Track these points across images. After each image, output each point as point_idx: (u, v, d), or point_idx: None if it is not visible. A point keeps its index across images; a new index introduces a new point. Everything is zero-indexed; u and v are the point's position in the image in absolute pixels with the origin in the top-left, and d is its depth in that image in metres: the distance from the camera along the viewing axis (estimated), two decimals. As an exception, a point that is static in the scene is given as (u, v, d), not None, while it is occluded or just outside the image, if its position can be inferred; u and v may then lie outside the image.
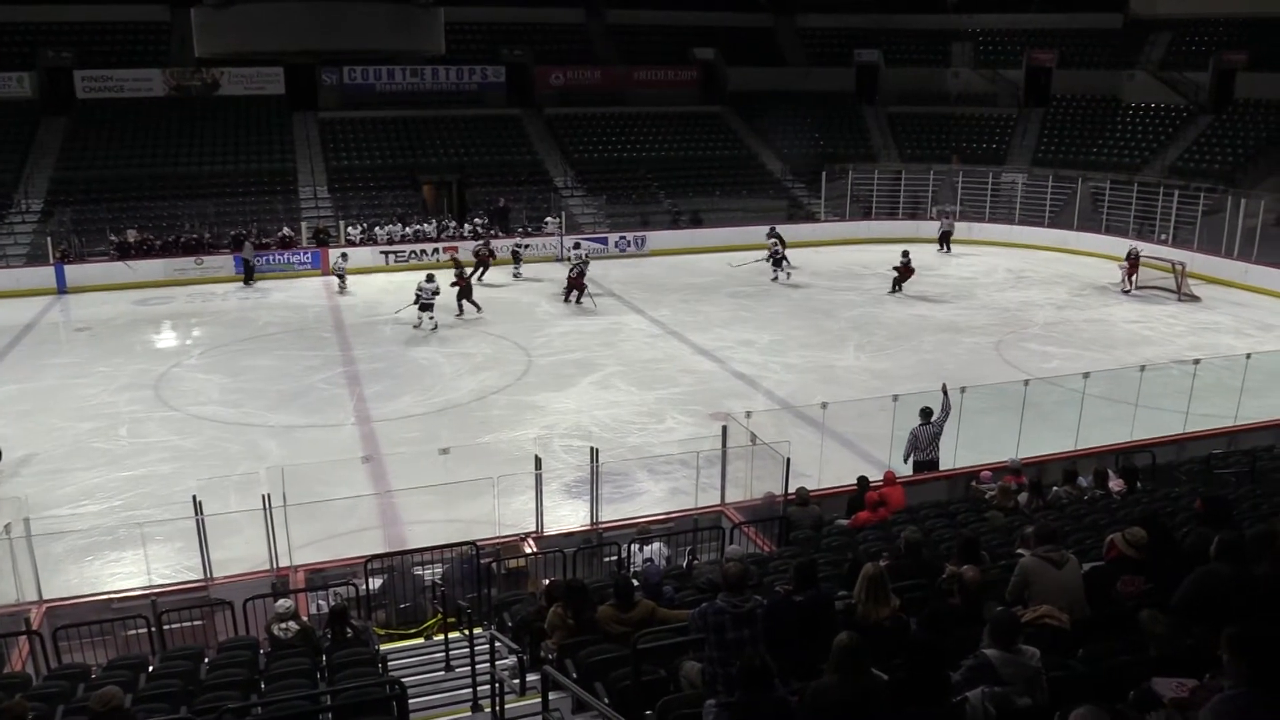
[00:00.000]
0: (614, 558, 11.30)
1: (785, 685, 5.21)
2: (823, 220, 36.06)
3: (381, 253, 30.56)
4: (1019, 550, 7.57)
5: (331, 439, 16.61)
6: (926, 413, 13.56)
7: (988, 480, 12.08)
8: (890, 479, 11.95)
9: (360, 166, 34.89)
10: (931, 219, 34.94)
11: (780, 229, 30.94)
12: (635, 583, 8.34)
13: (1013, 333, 23.25)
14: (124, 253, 28.59)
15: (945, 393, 13.53)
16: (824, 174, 36.08)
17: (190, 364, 20.99)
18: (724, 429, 13.00)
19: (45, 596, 10.92)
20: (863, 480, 11.97)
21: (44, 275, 27.84)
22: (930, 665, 4.84)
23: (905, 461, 13.64)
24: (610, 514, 12.69)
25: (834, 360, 21.01)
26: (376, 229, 31.43)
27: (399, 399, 18.44)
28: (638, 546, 11.19)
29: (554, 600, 8.06)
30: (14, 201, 30.60)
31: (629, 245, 33.05)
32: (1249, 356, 16.35)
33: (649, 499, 13.85)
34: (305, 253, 29.92)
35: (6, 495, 11.64)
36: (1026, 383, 14.82)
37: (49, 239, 28.54)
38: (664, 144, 38.75)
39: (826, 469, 13.43)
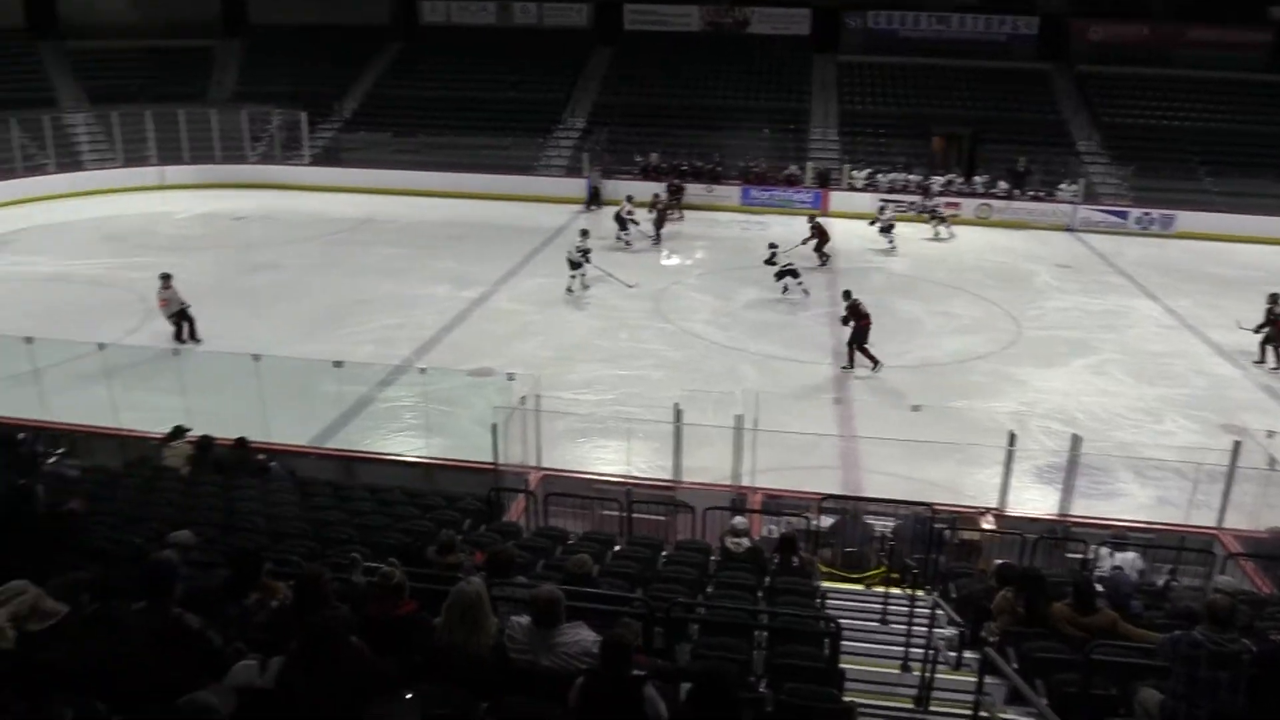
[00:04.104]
0: (1079, 556, 10.47)
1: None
2: None
3: (880, 201, 30.39)
4: None
5: (805, 374, 17.04)
6: None
7: None
8: None
9: (872, 112, 34.82)
10: None
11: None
12: (1100, 589, 7.70)
13: None
14: (645, 174, 31.28)
15: None
16: None
17: (689, 283, 22.55)
18: (1236, 444, 11.41)
19: (543, 464, 12.47)
20: None
21: (576, 186, 31.47)
22: None
23: None
24: (1082, 509, 11.74)
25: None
26: (879, 176, 31.27)
27: (877, 350, 18.29)
28: (1108, 550, 10.27)
29: (1006, 584, 7.71)
30: (562, 119, 34.78)
31: (1152, 223, 29.78)
32: None
33: (1130, 503, 12.54)
34: (806, 192, 30.64)
35: (528, 373, 13.37)
36: None
37: (585, 155, 32.15)
38: (1214, 114, 33.93)
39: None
